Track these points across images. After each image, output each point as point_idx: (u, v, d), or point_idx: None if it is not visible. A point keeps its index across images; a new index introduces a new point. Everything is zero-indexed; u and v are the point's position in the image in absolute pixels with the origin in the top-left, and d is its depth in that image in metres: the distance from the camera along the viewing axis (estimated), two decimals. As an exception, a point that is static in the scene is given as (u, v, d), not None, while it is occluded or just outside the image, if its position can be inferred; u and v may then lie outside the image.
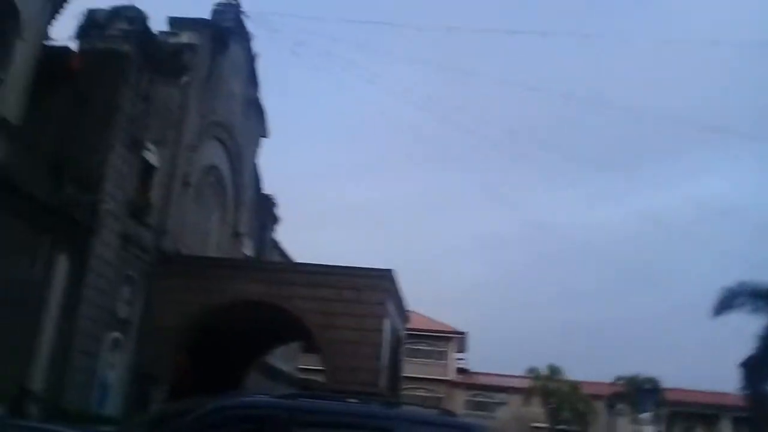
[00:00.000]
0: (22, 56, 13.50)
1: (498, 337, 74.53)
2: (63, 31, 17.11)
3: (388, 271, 17.69)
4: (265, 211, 27.28)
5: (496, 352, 77.03)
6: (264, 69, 26.60)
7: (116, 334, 16.39)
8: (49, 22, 15.23)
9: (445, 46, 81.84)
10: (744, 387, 17.74)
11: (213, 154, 21.97)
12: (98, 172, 15.24)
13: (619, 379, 27.02)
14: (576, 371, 40.81)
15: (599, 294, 71.97)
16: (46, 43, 16.19)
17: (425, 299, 72.34)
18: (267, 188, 27.38)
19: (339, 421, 4.78)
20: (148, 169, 17.79)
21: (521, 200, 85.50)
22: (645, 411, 27.61)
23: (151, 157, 17.89)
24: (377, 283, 17.50)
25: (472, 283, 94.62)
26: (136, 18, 16.76)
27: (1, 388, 11.43)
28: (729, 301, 18.04)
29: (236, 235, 23.82)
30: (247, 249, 25.34)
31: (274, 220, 28.30)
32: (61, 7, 15.29)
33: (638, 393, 23.70)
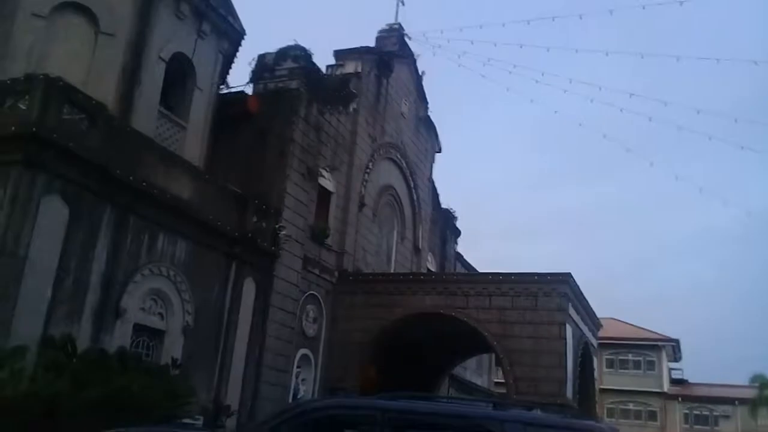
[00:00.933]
0: (200, 104, 15.12)
1: (718, 344, 67.85)
2: (240, 78, 18.83)
3: (566, 274, 16.99)
4: (444, 225, 27.62)
5: (716, 360, 70.29)
6: (432, 85, 27.16)
7: (305, 351, 17.49)
8: (223, 71, 16.98)
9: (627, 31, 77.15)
10: None
11: (387, 174, 22.73)
12: (277, 202, 16.49)
13: None
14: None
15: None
16: (226, 90, 18.19)
17: (634, 307, 68.18)
18: (447, 202, 27.81)
19: (437, 422, 4.72)
20: (324, 194, 18.89)
21: (741, 192, 77.61)
22: None
23: (327, 183, 18.98)
24: (554, 288, 16.86)
25: (686, 286, 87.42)
26: (300, 56, 18.03)
27: (199, 404, 12.68)
28: None
29: (417, 250, 24.36)
30: (430, 264, 25.80)
31: (455, 233, 28.53)
32: (232, 58, 16.94)
33: None
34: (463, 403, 5.59)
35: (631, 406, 44.28)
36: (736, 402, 40.06)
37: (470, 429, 4.73)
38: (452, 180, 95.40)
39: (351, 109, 20.34)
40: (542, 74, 22.67)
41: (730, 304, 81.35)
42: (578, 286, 17.73)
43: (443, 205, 27.74)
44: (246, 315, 15.09)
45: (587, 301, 19.21)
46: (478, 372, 30.54)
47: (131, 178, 11.90)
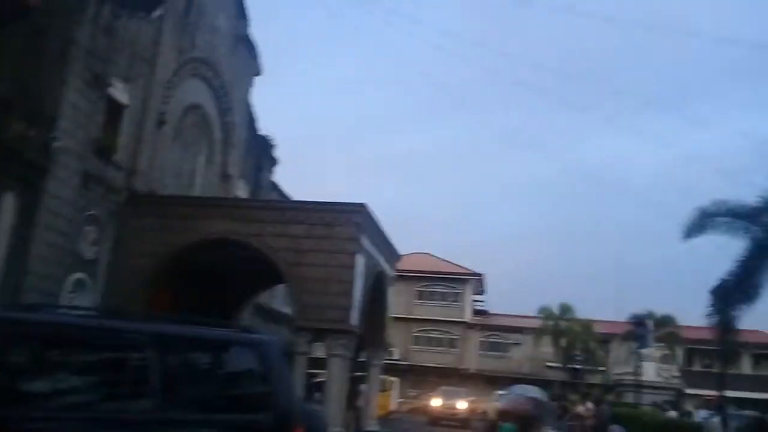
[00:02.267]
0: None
1: (522, 281, 74.27)
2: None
3: (361, 205, 17.19)
4: (261, 152, 26.85)
5: (518, 295, 77.02)
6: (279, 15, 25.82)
7: (80, 275, 16.29)
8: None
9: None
10: (712, 314, 16.83)
11: (195, 93, 21.44)
12: (52, 109, 14.90)
13: (633, 317, 26.44)
14: (596, 311, 40.35)
15: (631, 236, 70.53)
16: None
17: (453, 245, 72.31)
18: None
19: (75, 336, 4.45)
20: (115, 106, 17.41)
21: (560, 144, 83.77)
22: (645, 347, 27.00)
23: (120, 94, 17.49)
24: (349, 218, 17.03)
25: (506, 229, 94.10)
26: (91, -52, 16.13)
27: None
28: (702, 221, 16.98)
29: (226, 176, 23.49)
30: (241, 191, 25.05)
31: (272, 161, 27.87)
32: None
33: (636, 330, 23.08)
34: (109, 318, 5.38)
35: (435, 334, 47.31)
36: (526, 331, 44.06)
37: (117, 344, 4.59)
38: (298, 113, 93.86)
39: (155, 16, 18.75)
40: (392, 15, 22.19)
41: (536, 247, 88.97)
42: (374, 217, 18.06)
43: (261, 132, 26.88)
44: (3, 233, 13.65)
45: (385, 233, 19.71)
46: (287, 301, 30.70)
47: None
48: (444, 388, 31.55)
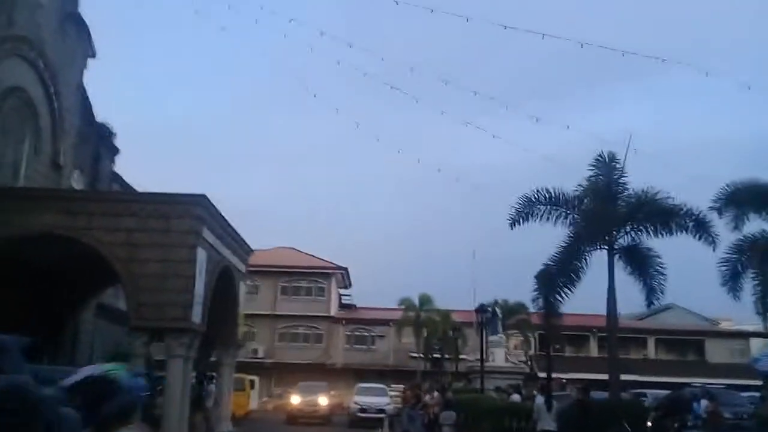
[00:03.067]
0: None
1: (386, 274, 75.27)
2: None
3: (201, 196, 16.19)
4: (98, 141, 24.92)
5: (383, 288, 78.12)
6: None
7: None
8: None
9: (332, -25, 78.56)
10: (537, 298, 17.60)
11: (16, 74, 19.33)
12: None
13: (483, 306, 27.19)
14: (455, 302, 41.31)
15: (488, 230, 73.34)
16: None
17: (318, 241, 71.84)
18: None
19: None
20: None
21: (425, 143, 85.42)
22: (495, 333, 28.03)
23: None
24: (188, 210, 15.96)
25: (367, 224, 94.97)
26: None
27: None
28: (526, 209, 17.70)
29: (56, 166, 21.47)
30: (76, 182, 23.10)
31: (113, 151, 25.99)
32: None
33: (482, 317, 23.82)
34: None
35: (300, 330, 46.61)
36: (390, 323, 44.43)
37: None
38: (153, 103, 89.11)
39: (-40, -13, 16.67)
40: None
41: (399, 242, 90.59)
42: (216, 210, 17.11)
43: (98, 119, 24.95)
44: None
45: (231, 226, 18.79)
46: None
47: None
48: (303, 383, 30.86)
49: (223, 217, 17.88)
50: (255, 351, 42.84)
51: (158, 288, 15.45)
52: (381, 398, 29.25)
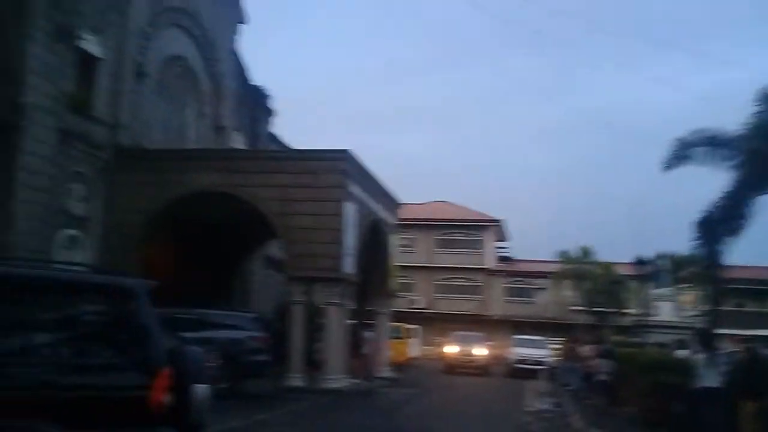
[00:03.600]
0: None
1: (546, 226, 73.15)
2: None
3: (345, 152, 16.49)
4: (255, 103, 26.17)
5: (543, 240, 75.99)
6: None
7: (72, 232, 16.03)
8: None
9: None
10: (699, 246, 15.86)
11: (176, 43, 20.72)
12: (17, 65, 14.35)
13: (641, 259, 25.42)
14: (620, 254, 39.26)
15: (651, 178, 68.60)
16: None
17: (474, 193, 71.24)
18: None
19: None
20: (88, 60, 16.80)
21: (577, 87, 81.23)
22: (662, 286, 26.11)
23: (92, 47, 16.85)
24: (334, 166, 16.36)
25: (522, 175, 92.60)
26: None
27: None
28: (682, 152, 15.88)
29: (219, 129, 22.90)
30: (238, 143, 24.50)
31: (268, 112, 27.21)
32: None
33: (651, 270, 22.19)
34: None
35: (457, 282, 46.77)
36: (549, 276, 43.23)
37: None
38: (302, 64, 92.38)
39: (123, -37, 17.94)
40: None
41: (558, 192, 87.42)
42: (361, 164, 17.36)
43: (253, 82, 26.15)
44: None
45: (379, 180, 19.01)
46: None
47: None
48: (460, 333, 30.95)
49: (369, 171, 18.11)
50: (413, 302, 43.69)
51: (310, 240, 16.07)
52: (539, 350, 28.70)
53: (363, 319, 21.26)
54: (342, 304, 16.41)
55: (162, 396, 4.60)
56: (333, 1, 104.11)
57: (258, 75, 29.59)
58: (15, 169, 14.20)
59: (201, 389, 5.08)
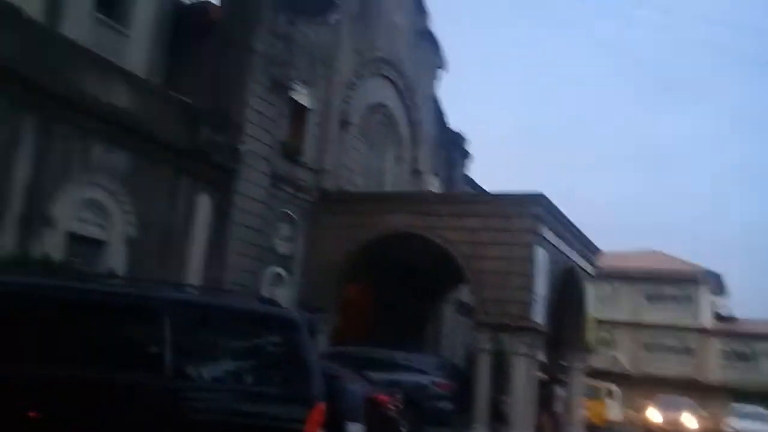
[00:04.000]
0: (146, 11, 14.63)
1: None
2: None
3: (538, 195, 16.05)
4: (452, 147, 26.61)
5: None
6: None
7: (277, 269, 17.33)
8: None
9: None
10: None
11: (378, 92, 21.85)
12: (237, 116, 16.03)
13: None
14: None
15: None
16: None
17: (688, 243, 65.49)
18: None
19: (85, 300, 4.33)
20: (299, 109, 18.30)
21: None
22: None
23: (302, 97, 18.36)
24: (526, 209, 15.98)
25: (746, 221, 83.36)
26: (268, -38, 17.13)
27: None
28: None
29: (416, 173, 23.60)
30: (433, 187, 25.01)
31: (464, 155, 27.50)
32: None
33: None
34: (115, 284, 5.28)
35: (666, 341, 42.94)
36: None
37: (118, 307, 4.44)
38: (500, 106, 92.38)
39: (332, 21, 19.44)
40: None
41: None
42: (556, 208, 16.76)
43: (451, 127, 26.64)
44: (201, 230, 14.95)
45: (575, 225, 18.22)
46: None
47: (54, 83, 11.63)
48: (665, 397, 28.22)
49: (564, 216, 17.45)
50: (615, 360, 40.93)
51: (500, 285, 15.77)
52: (765, 425, 25.20)
53: (555, 373, 20.26)
54: (531, 355, 15.79)
55: (315, 430, 4.65)
56: (532, 43, 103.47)
57: (454, 118, 30.10)
58: (231, 208, 15.75)
59: (356, 428, 5.10)
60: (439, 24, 24.80)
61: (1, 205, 11.01)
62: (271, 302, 5.55)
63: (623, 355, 42.16)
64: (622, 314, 41.86)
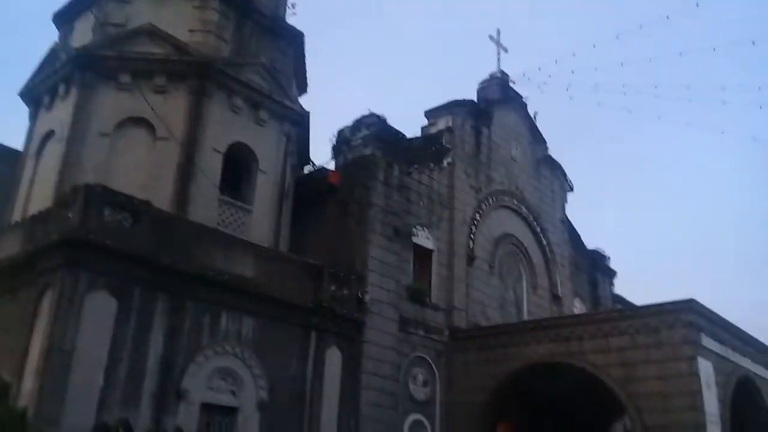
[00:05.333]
0: (265, 186, 15.83)
1: None
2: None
3: (690, 301, 14.53)
4: (592, 267, 25.37)
5: None
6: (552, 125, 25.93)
7: (417, 416, 16.68)
8: (300, 151, 17.89)
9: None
10: None
11: (503, 223, 21.65)
12: (361, 268, 16.39)
13: None
14: None
15: None
16: (310, 169, 19.08)
17: None
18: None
19: None
20: (423, 253, 18.44)
21: None
22: None
23: (424, 241, 18.56)
24: (678, 319, 14.46)
25: None
26: (374, 122, 18.25)
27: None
28: None
29: (555, 298, 22.55)
30: (578, 310, 23.66)
31: (609, 274, 26.03)
32: (303, 137, 17.81)
33: None
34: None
35: None
36: None
37: None
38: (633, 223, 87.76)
39: (445, 164, 19.95)
40: (655, 87, 20.49)
41: None
42: (714, 313, 15.07)
43: (589, 247, 25.57)
44: (333, 384, 14.88)
45: (739, 329, 16.19)
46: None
47: (182, 265, 12.62)
48: None
49: (726, 320, 15.62)
50: None
51: (662, 408, 14.04)
52: None
53: None
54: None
55: None
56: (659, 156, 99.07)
57: (594, 238, 28.92)
58: (361, 359, 15.65)
59: None
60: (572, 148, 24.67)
61: (136, 384, 11.67)
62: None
63: None
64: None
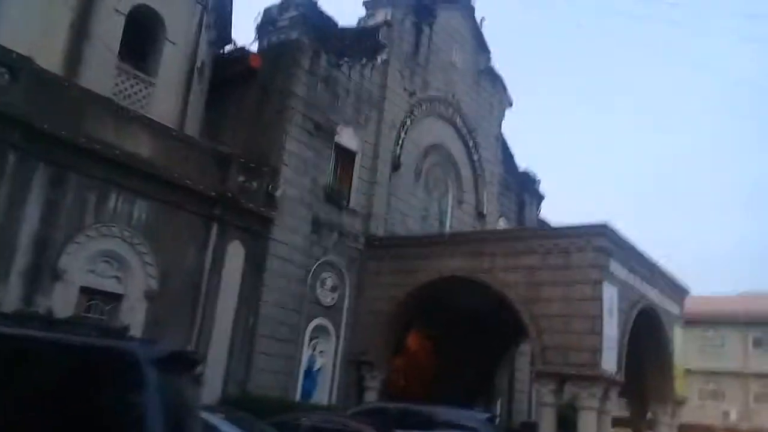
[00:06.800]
0: (173, 59, 14.38)
1: None
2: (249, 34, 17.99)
3: (603, 226, 14.23)
4: (522, 188, 25.03)
5: None
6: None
7: (321, 321, 16.24)
8: (219, 26, 16.30)
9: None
10: None
11: (434, 132, 20.79)
12: (276, 160, 15.39)
13: None
14: None
15: None
16: (230, 48, 17.54)
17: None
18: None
19: None
20: (345, 153, 17.50)
21: None
22: None
23: (348, 141, 17.59)
24: (590, 242, 14.19)
25: None
26: (303, 3, 16.76)
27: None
28: None
29: (480, 215, 22.13)
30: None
31: (537, 197, 25.80)
32: (224, 13, 16.16)
33: None
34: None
35: (782, 394, 38.18)
36: None
37: None
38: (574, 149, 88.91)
39: (379, 61, 18.74)
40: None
41: None
42: (626, 240, 14.89)
43: (520, 168, 25.14)
44: (232, 280, 14.15)
45: (651, 260, 16.17)
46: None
47: (66, 133, 11.36)
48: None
49: (638, 249, 15.50)
50: (726, 414, 36.75)
51: (562, 330, 13.96)
52: None
53: (640, 429, 17.82)
54: (602, 410, 13.73)
55: None
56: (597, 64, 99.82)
57: (527, 159, 28.52)
58: (266, 257, 14.90)
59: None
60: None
61: (6, 260, 10.63)
62: (115, 333, 4.31)
63: (732, 408, 37.90)
64: (728, 364, 37.81)
